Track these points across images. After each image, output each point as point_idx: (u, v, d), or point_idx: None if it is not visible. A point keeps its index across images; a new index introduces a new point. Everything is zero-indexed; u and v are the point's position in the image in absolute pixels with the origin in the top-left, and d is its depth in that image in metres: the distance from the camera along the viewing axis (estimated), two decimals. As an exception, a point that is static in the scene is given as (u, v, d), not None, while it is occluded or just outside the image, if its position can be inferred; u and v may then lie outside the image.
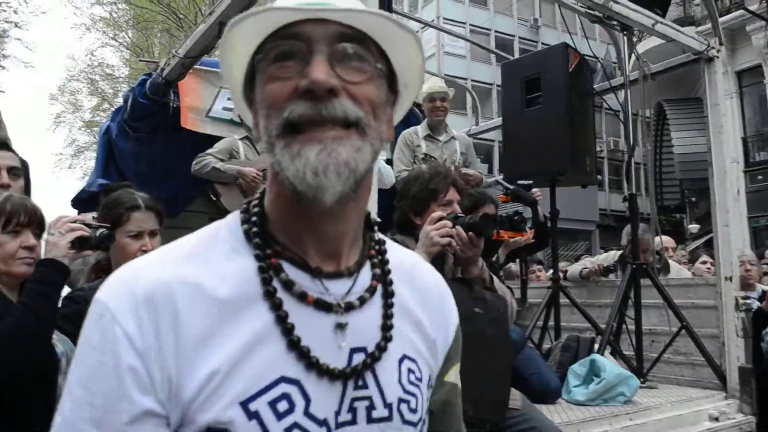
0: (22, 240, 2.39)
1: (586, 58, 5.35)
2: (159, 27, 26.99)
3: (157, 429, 0.94)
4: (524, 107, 5.27)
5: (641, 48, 7.49)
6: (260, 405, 0.96)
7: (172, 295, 0.97)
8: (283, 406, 0.98)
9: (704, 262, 7.04)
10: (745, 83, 20.62)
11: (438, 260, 2.90)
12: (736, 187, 4.79)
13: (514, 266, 6.39)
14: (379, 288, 1.16)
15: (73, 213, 4.88)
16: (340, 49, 1.02)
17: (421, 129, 5.79)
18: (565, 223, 22.74)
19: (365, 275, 1.15)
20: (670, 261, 6.41)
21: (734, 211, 4.71)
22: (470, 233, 2.86)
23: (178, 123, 5.27)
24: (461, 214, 3.01)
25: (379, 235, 1.24)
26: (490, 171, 29.18)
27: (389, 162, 5.72)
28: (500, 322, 2.85)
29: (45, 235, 2.47)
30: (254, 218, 1.10)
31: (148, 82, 5.06)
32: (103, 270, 3.02)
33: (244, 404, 0.96)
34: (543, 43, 32.97)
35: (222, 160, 4.88)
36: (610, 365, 4.03)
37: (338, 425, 1.03)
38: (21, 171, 3.26)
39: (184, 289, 0.98)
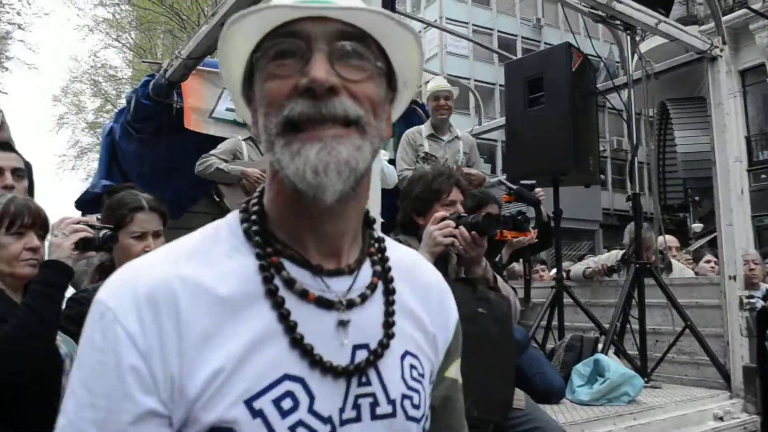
0: (26, 241, 2.39)
1: (589, 57, 5.34)
2: (162, 28, 27.01)
3: (159, 429, 0.94)
4: (527, 107, 5.28)
5: (644, 47, 7.49)
6: (264, 403, 0.96)
7: (174, 294, 0.97)
8: (287, 403, 0.98)
9: (708, 261, 7.04)
10: (748, 82, 20.57)
11: (441, 260, 2.90)
12: (740, 186, 4.79)
13: (518, 266, 6.39)
14: (380, 285, 1.16)
15: (77, 214, 4.90)
16: (340, 47, 1.02)
17: (424, 128, 5.79)
18: (569, 223, 22.72)
19: (366, 272, 1.15)
20: (672, 260, 6.40)
21: (738, 210, 4.71)
22: (473, 233, 2.86)
23: (181, 124, 5.27)
24: (464, 214, 3.01)
25: (378, 233, 1.24)
26: (493, 171, 29.19)
27: (392, 162, 5.72)
28: (504, 321, 2.85)
29: (48, 237, 2.47)
30: (254, 217, 1.10)
31: (151, 83, 5.06)
32: (106, 271, 3.02)
33: (249, 402, 0.95)
34: (546, 43, 32.96)
35: (225, 161, 4.88)
36: (614, 365, 4.02)
37: (343, 422, 1.03)
38: (25, 172, 3.27)
39: (186, 288, 0.98)
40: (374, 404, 1.07)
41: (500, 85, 31.32)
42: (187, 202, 5.88)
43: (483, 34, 35.30)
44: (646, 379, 4.49)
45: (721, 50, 4.89)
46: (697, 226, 23.79)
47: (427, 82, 6.09)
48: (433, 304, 1.27)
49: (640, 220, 5.09)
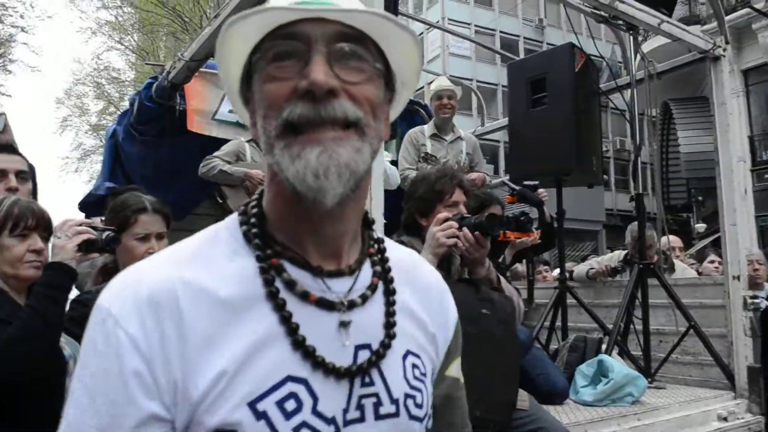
0: (29, 243, 2.40)
1: (592, 57, 5.34)
2: (164, 30, 27.08)
3: None
4: (530, 107, 5.27)
5: (647, 47, 7.49)
6: (268, 405, 0.96)
7: (176, 297, 0.97)
8: (290, 405, 0.98)
9: (712, 262, 7.02)
10: (751, 81, 20.53)
11: (445, 261, 2.91)
12: (744, 186, 4.78)
13: (521, 267, 6.38)
14: (380, 285, 1.16)
15: (80, 216, 4.90)
16: (339, 48, 1.02)
17: (427, 128, 5.80)
18: (572, 224, 22.72)
19: (366, 273, 1.15)
20: (675, 260, 6.39)
21: (742, 210, 4.70)
22: (476, 233, 2.86)
23: (184, 126, 5.28)
24: (467, 215, 3.01)
25: (377, 234, 1.24)
26: (496, 171, 29.17)
27: (394, 163, 5.72)
28: (507, 322, 2.85)
29: (52, 239, 2.48)
30: (253, 219, 1.10)
31: (154, 85, 5.07)
32: (110, 273, 3.02)
33: (252, 405, 0.95)
34: (548, 43, 33.00)
35: (229, 163, 4.88)
36: (617, 365, 4.02)
37: (346, 423, 1.03)
38: (29, 175, 3.28)
39: (187, 291, 0.98)
40: (377, 404, 1.07)
41: (503, 86, 31.34)
42: (190, 204, 5.88)
43: (485, 34, 35.32)
44: (649, 379, 4.48)
45: (724, 50, 4.89)
46: (701, 226, 23.75)
47: (430, 83, 6.10)
48: (434, 304, 1.27)
49: (644, 220, 5.07)
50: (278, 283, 1.04)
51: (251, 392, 0.96)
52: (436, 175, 3.25)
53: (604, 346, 4.48)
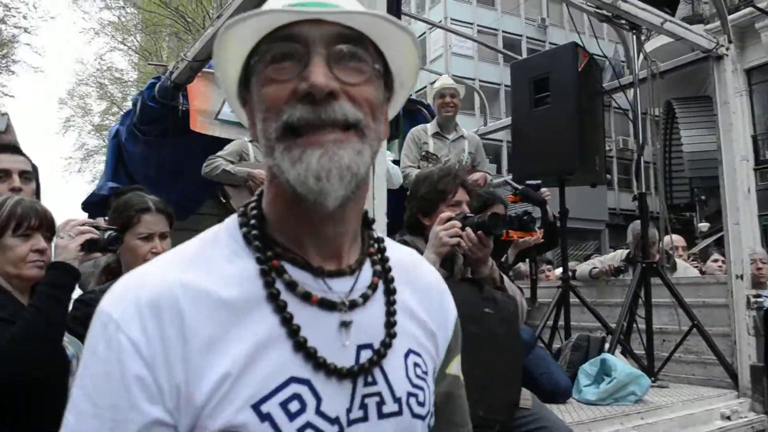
0: (32, 243, 2.40)
1: (595, 57, 5.34)
2: (167, 31, 27.07)
3: None
4: (533, 107, 5.27)
5: (650, 46, 7.48)
6: (272, 406, 0.96)
7: (177, 301, 0.97)
8: (294, 406, 0.98)
9: (716, 261, 7.02)
10: (754, 81, 20.52)
11: (448, 260, 2.91)
12: (747, 185, 4.77)
13: (524, 266, 6.39)
14: (381, 285, 1.16)
15: (83, 216, 4.91)
16: (338, 50, 1.01)
17: (430, 127, 5.81)
18: (575, 223, 22.70)
19: (366, 272, 1.15)
20: (677, 259, 6.39)
21: (745, 209, 4.70)
22: (479, 233, 2.86)
23: (187, 126, 5.29)
24: (470, 214, 3.01)
25: (377, 233, 1.24)
26: (499, 171, 29.16)
27: (397, 162, 5.72)
28: (510, 321, 2.85)
29: (55, 239, 2.48)
30: (253, 221, 1.09)
31: (157, 85, 5.08)
32: (113, 272, 3.03)
33: (256, 406, 0.95)
34: (551, 43, 32.96)
35: (232, 162, 4.88)
36: (620, 364, 4.02)
37: (350, 422, 1.03)
38: (33, 175, 3.29)
39: (189, 295, 0.98)
40: (380, 403, 1.07)
41: (505, 86, 31.32)
42: (193, 203, 5.89)
43: (488, 34, 35.29)
44: (653, 378, 4.49)
45: (727, 49, 4.88)
46: (704, 226, 23.73)
47: (433, 83, 6.10)
48: (434, 303, 1.27)
49: (647, 219, 5.07)
50: (279, 285, 1.04)
51: (255, 394, 0.96)
52: (439, 174, 3.24)
53: (607, 345, 4.48)
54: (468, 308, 2.59)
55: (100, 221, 2.99)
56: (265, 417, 0.95)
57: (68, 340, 2.41)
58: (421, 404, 1.13)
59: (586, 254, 21.51)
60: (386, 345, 1.10)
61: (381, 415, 1.07)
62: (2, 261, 2.37)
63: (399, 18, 3.49)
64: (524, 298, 3.33)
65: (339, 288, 1.09)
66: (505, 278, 3.14)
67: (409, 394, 1.11)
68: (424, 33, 35.44)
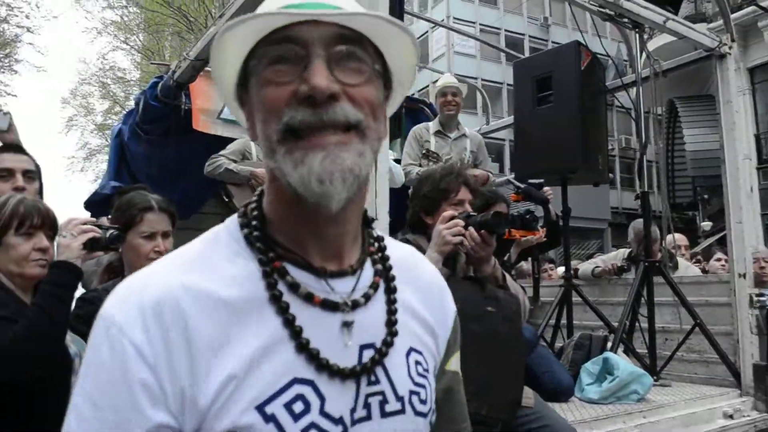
0: (35, 242, 2.40)
1: (598, 56, 5.34)
2: (170, 30, 27.11)
3: None
4: (536, 105, 5.27)
5: (652, 45, 7.47)
6: (276, 408, 0.96)
7: (180, 303, 0.96)
8: (298, 407, 0.98)
9: (719, 260, 7.02)
10: (757, 79, 20.48)
11: (450, 259, 2.91)
12: (750, 184, 4.77)
13: (526, 265, 6.39)
14: (381, 284, 1.16)
15: (85, 215, 4.91)
16: (338, 51, 1.01)
17: (432, 125, 5.81)
18: (577, 222, 22.66)
19: (367, 272, 1.15)
20: (678, 258, 6.39)
21: (747, 208, 4.69)
22: (482, 232, 2.86)
23: (189, 125, 5.29)
24: (473, 213, 3.01)
25: (377, 232, 1.24)
26: (501, 170, 29.21)
27: (398, 161, 5.72)
28: (513, 320, 2.85)
29: (57, 238, 2.49)
30: (254, 222, 1.09)
31: (160, 84, 5.08)
32: (115, 271, 3.04)
33: (261, 408, 0.95)
34: (553, 42, 32.97)
35: (235, 162, 4.88)
36: (623, 363, 4.02)
37: (354, 422, 1.03)
38: (36, 174, 3.30)
39: (191, 297, 0.97)
40: (383, 402, 1.08)
41: (508, 85, 31.31)
42: (195, 202, 5.89)
43: (490, 33, 35.29)
44: (655, 377, 4.49)
45: (730, 48, 4.88)
46: (707, 225, 23.72)
47: (435, 82, 6.11)
48: (434, 301, 1.27)
49: (649, 218, 5.08)
50: (281, 286, 1.03)
51: (259, 396, 0.96)
52: (441, 173, 3.24)
53: (609, 344, 4.49)
54: (470, 307, 2.60)
55: (104, 220, 3.00)
56: (270, 418, 0.95)
57: (71, 339, 2.42)
58: (423, 402, 1.14)
59: (589, 253, 21.47)
60: (388, 344, 1.10)
61: (384, 414, 1.07)
62: (5, 260, 2.38)
63: (402, 17, 3.49)
64: (526, 296, 3.33)
65: (341, 288, 1.09)
66: (508, 277, 3.14)
67: (412, 393, 1.12)
68: (427, 32, 35.44)
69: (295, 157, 0.98)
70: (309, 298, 1.04)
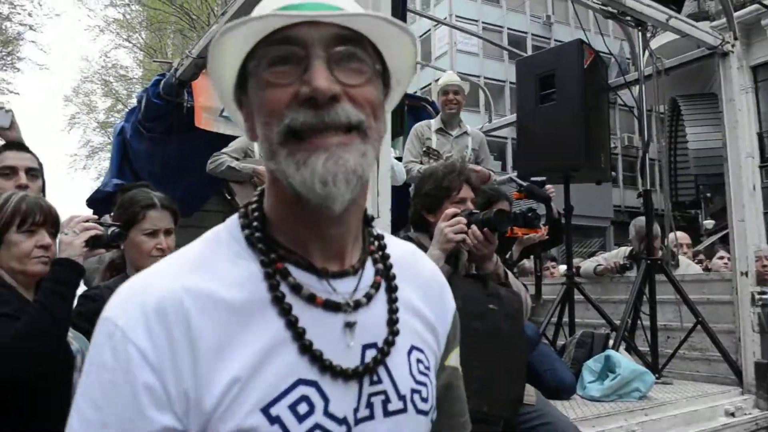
0: (37, 239, 2.41)
1: (600, 54, 5.34)
2: (172, 28, 27.14)
3: None
4: (538, 104, 5.27)
5: (655, 43, 7.46)
6: (281, 409, 0.96)
7: (183, 306, 0.96)
8: (303, 408, 0.98)
9: (721, 258, 7.02)
10: (760, 78, 20.42)
11: (452, 256, 2.90)
12: (752, 182, 4.76)
13: (528, 263, 6.39)
14: (382, 283, 1.16)
15: (88, 213, 4.92)
16: (338, 52, 1.00)
17: (434, 122, 5.81)
18: (579, 220, 22.65)
19: (369, 272, 1.15)
20: (680, 256, 6.39)
21: (750, 206, 4.69)
22: (485, 229, 2.86)
23: (191, 123, 5.29)
24: (476, 211, 3.01)
25: (377, 230, 1.24)
26: (504, 168, 29.20)
27: (399, 159, 5.72)
28: (515, 318, 2.85)
29: (59, 235, 2.49)
30: (255, 223, 1.09)
31: (162, 82, 5.08)
32: (117, 269, 3.04)
33: (265, 410, 0.95)
34: (556, 40, 32.97)
35: (237, 159, 4.88)
36: (625, 361, 4.02)
37: (357, 421, 1.03)
38: (39, 172, 3.30)
39: (194, 299, 0.97)
40: (386, 401, 1.08)
41: (510, 83, 31.37)
42: (198, 200, 5.89)
43: (493, 31, 35.27)
44: (657, 375, 4.49)
45: (733, 46, 4.87)
46: (709, 223, 23.70)
47: (438, 80, 6.10)
48: (434, 298, 1.28)
49: (652, 216, 5.07)
50: (284, 287, 1.03)
51: (264, 398, 0.96)
52: (444, 171, 3.23)
53: (611, 342, 4.49)
54: (472, 304, 2.60)
55: (107, 218, 3.00)
56: (275, 420, 0.95)
57: (73, 336, 2.42)
58: (425, 400, 1.14)
59: (591, 251, 21.50)
60: (389, 343, 1.10)
61: (387, 413, 1.07)
62: (7, 257, 2.38)
63: (405, 15, 3.49)
64: (528, 294, 3.33)
65: (343, 289, 1.09)
66: (510, 274, 3.14)
67: (413, 391, 1.12)
68: (429, 30, 35.46)
69: (297, 158, 0.97)
70: (311, 299, 1.04)
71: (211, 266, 1.03)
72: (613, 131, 30.14)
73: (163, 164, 5.53)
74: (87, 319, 2.47)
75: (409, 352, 1.15)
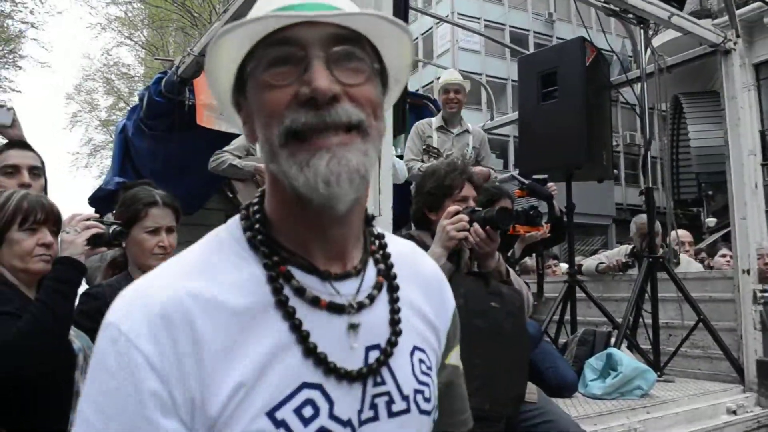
0: (39, 237, 2.41)
1: (602, 51, 5.33)
2: (174, 25, 27.15)
3: None
4: (540, 101, 5.28)
5: (657, 41, 7.45)
6: (286, 413, 0.96)
7: (187, 311, 0.95)
8: (308, 411, 0.98)
9: (724, 256, 7.01)
10: (762, 76, 20.38)
11: (454, 254, 2.90)
12: (754, 180, 4.76)
13: (530, 261, 6.38)
14: (384, 283, 1.16)
15: (90, 211, 4.92)
16: (336, 51, 1.00)
17: (435, 120, 5.81)
18: (581, 218, 22.68)
19: (370, 272, 1.15)
20: (681, 254, 6.38)
21: (752, 204, 4.69)
22: (487, 227, 2.86)
23: (193, 121, 5.28)
24: (478, 208, 3.00)
25: (377, 229, 1.24)
26: (506, 166, 29.21)
27: (400, 157, 5.72)
28: (517, 315, 2.84)
29: (61, 234, 2.49)
30: (257, 225, 1.08)
31: (164, 80, 5.08)
32: (119, 267, 3.04)
33: (271, 414, 0.95)
34: (558, 38, 32.98)
35: (239, 157, 4.87)
36: (626, 359, 4.02)
37: (361, 423, 1.03)
38: (42, 171, 3.30)
39: (198, 304, 0.96)
40: (390, 402, 1.08)
41: (512, 81, 31.33)
42: (199, 198, 5.90)
43: (495, 29, 35.23)
44: (659, 373, 4.48)
45: (735, 43, 4.87)
46: (711, 221, 23.67)
47: (440, 78, 6.10)
48: (435, 295, 1.28)
49: (653, 214, 5.07)
50: (287, 291, 1.03)
51: (269, 402, 0.95)
52: (446, 169, 3.23)
53: (613, 340, 4.49)
54: (474, 302, 2.59)
55: (109, 216, 3.01)
56: (280, 424, 0.95)
57: (75, 334, 2.42)
58: (427, 400, 1.14)
59: (593, 249, 21.49)
60: (392, 344, 1.10)
61: (391, 414, 1.07)
62: (9, 255, 2.38)
63: (407, 13, 3.48)
64: (530, 292, 3.34)
65: (346, 290, 1.08)
66: (512, 272, 3.13)
67: (416, 391, 1.12)
68: (431, 28, 35.45)
69: (299, 160, 0.97)
70: (315, 301, 1.04)
71: (214, 270, 1.02)
72: (615, 129, 30.10)
73: (165, 162, 5.54)
74: (89, 317, 2.48)
75: (412, 353, 1.15)
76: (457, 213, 2.89)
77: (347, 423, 1.01)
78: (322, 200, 0.97)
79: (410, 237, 3.05)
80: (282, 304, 1.01)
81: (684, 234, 7.01)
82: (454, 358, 1.32)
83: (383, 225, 1.22)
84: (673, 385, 4.47)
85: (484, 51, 35.61)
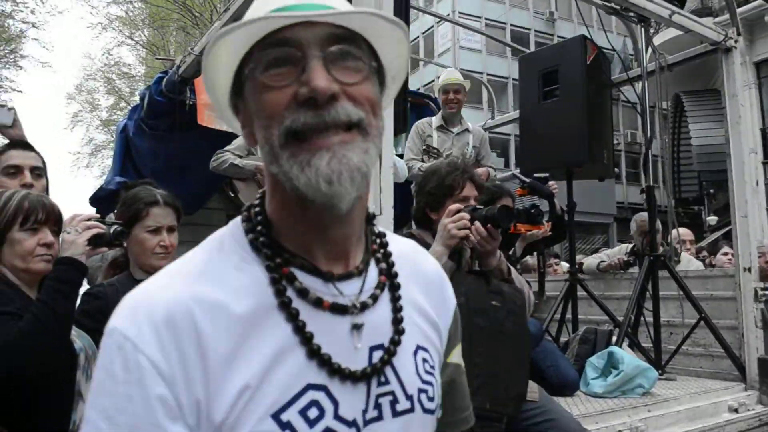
0: (40, 237, 2.40)
1: (603, 50, 5.33)
2: (175, 25, 27.16)
3: None
4: (541, 100, 5.28)
5: (658, 39, 7.44)
6: (291, 415, 0.96)
7: (192, 315, 0.95)
8: (313, 413, 0.98)
9: (726, 254, 7.02)
10: (763, 74, 20.36)
11: (455, 252, 2.90)
12: (755, 178, 4.76)
13: (531, 259, 6.38)
14: (386, 282, 1.16)
15: (91, 211, 4.93)
16: (334, 51, 1.00)
17: (435, 120, 5.80)
18: (582, 216, 22.67)
19: (373, 272, 1.15)
20: (682, 252, 6.38)
21: (753, 202, 4.69)
22: (488, 226, 2.86)
23: (194, 120, 5.28)
24: (479, 207, 3.00)
25: (378, 228, 1.24)
26: (507, 165, 29.22)
27: (400, 156, 5.72)
28: (518, 314, 2.84)
29: (62, 234, 2.49)
30: (259, 227, 1.08)
31: (165, 79, 5.09)
32: (120, 267, 3.04)
33: (276, 416, 0.95)
34: (559, 36, 32.98)
35: (240, 157, 4.87)
36: (628, 357, 4.02)
37: (366, 423, 1.03)
38: (43, 171, 3.30)
39: (202, 308, 0.96)
40: (394, 402, 1.08)
41: (513, 79, 31.31)
42: (200, 198, 5.90)
43: (496, 28, 35.25)
44: (660, 371, 4.48)
45: (736, 42, 4.87)
46: (712, 219, 23.67)
47: (439, 77, 6.10)
48: (436, 294, 1.28)
49: (654, 213, 5.07)
50: (290, 293, 1.03)
51: (274, 404, 0.95)
52: (447, 169, 3.23)
53: (614, 338, 4.49)
54: (475, 300, 2.59)
55: (111, 216, 3.01)
56: (286, 425, 0.95)
57: (76, 334, 2.42)
58: (431, 399, 1.14)
59: (594, 248, 21.44)
60: (396, 343, 1.10)
61: (395, 414, 1.07)
62: (10, 255, 2.38)
63: (408, 12, 3.48)
64: (532, 291, 3.34)
65: (349, 291, 1.08)
66: (513, 271, 3.13)
67: (420, 391, 1.12)
68: (432, 26, 35.46)
69: (300, 160, 0.97)
70: (318, 303, 1.04)
71: (217, 273, 1.02)
72: (616, 127, 30.08)
73: (166, 161, 5.54)
74: (90, 316, 2.48)
75: (415, 352, 1.15)
76: (459, 211, 2.89)
77: (352, 423, 1.01)
78: (324, 199, 0.97)
79: (411, 236, 3.05)
80: (285, 306, 1.01)
81: (685, 232, 7.00)
82: (456, 356, 1.32)
83: (384, 224, 1.22)
84: (674, 383, 4.47)
85: (485, 50, 35.62)
